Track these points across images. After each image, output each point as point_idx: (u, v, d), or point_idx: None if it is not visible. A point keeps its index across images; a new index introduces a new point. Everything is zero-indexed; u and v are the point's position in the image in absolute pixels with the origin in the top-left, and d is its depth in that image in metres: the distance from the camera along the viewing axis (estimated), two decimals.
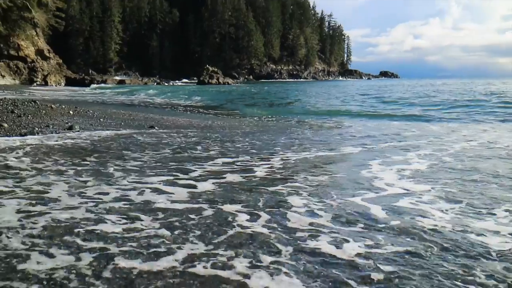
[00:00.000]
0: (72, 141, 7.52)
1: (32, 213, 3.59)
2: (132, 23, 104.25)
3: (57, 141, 7.42)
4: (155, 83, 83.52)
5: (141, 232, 3.26)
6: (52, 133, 8.36)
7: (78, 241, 3.04)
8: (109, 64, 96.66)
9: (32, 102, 14.25)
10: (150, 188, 4.60)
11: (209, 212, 3.83)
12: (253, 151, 7.41)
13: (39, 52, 63.00)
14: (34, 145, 6.87)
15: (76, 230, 3.24)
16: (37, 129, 8.59)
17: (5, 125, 8.65)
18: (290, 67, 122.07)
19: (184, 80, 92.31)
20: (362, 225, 3.61)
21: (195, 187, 4.71)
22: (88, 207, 3.84)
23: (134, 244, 3.02)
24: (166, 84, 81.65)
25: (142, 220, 3.54)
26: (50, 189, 4.37)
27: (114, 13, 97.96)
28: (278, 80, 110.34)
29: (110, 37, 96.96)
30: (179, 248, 2.99)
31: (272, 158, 6.74)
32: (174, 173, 5.33)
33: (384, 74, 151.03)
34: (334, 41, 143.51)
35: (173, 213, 3.78)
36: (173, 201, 4.14)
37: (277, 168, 5.96)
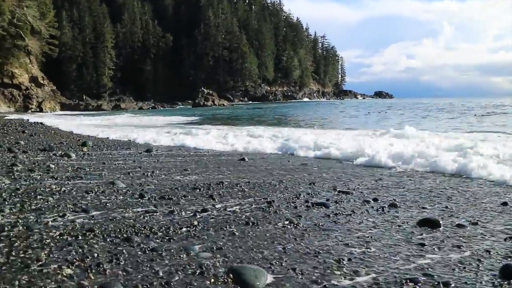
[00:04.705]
0: None
1: None
2: (125, 48, 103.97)
3: None
4: (150, 107, 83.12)
5: None
6: (68, 149, 7.80)
7: None
8: (102, 90, 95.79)
9: (40, 124, 13.79)
10: None
11: None
12: None
13: (33, 79, 62.75)
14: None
15: None
16: (53, 145, 8.07)
17: (22, 142, 8.29)
18: (285, 88, 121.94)
19: (179, 103, 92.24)
20: None
21: None
22: None
23: None
24: (161, 108, 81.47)
25: None
26: None
27: (107, 38, 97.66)
28: (273, 101, 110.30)
29: (103, 62, 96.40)
30: None
31: None
32: None
33: (379, 94, 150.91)
34: (328, 62, 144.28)
35: None
36: None
37: None
